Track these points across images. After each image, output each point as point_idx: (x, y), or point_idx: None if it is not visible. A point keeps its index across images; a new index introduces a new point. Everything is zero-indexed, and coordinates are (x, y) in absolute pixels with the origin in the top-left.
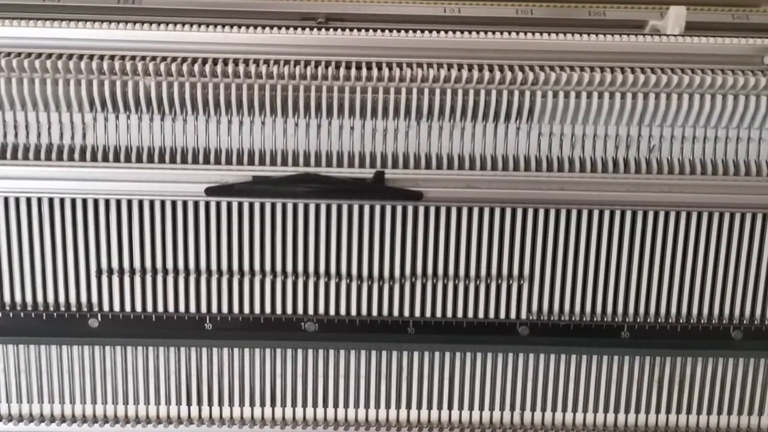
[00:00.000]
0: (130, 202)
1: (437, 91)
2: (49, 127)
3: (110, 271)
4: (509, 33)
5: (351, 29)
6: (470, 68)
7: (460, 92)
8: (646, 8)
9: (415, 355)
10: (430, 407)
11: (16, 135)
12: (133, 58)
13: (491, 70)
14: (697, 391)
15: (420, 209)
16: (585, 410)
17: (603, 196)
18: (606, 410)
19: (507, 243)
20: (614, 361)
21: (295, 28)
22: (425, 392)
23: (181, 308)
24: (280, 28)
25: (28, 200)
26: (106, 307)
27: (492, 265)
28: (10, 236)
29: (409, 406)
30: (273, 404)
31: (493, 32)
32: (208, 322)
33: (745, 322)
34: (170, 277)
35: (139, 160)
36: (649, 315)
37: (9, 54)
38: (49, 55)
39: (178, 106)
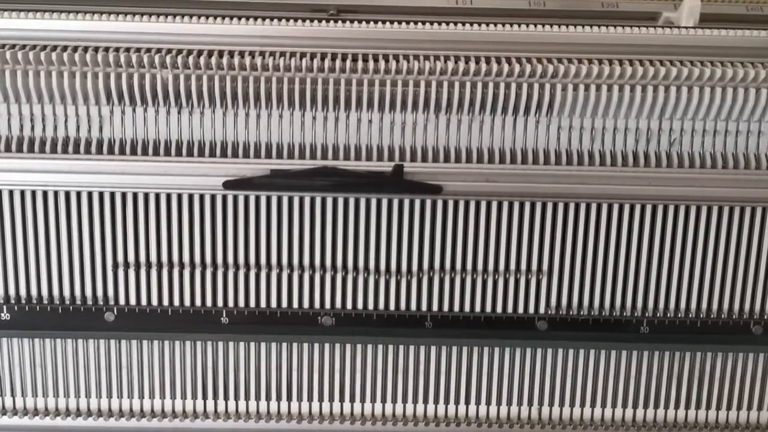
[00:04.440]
0: (147, 196)
1: (456, 84)
2: (66, 120)
3: (126, 265)
4: (526, 25)
5: (367, 21)
6: (488, 61)
7: (479, 85)
8: (660, 0)
9: (433, 349)
10: (447, 402)
11: (32, 128)
12: (149, 50)
13: (510, 62)
14: (717, 387)
15: (438, 203)
16: (603, 406)
17: (623, 190)
18: (625, 406)
19: (526, 237)
20: (633, 356)
21: (311, 20)
22: (443, 387)
23: (198, 302)
24: (296, 20)
25: (45, 193)
26: (122, 301)
27: (510, 259)
28: (26, 229)
29: (426, 401)
30: (289, 399)
31: (510, 24)
32: (224, 316)
33: (765, 316)
34: (186, 271)
35: (156, 153)
36: (668, 310)
37: (25, 47)
38: (65, 48)
39: (196, 98)
